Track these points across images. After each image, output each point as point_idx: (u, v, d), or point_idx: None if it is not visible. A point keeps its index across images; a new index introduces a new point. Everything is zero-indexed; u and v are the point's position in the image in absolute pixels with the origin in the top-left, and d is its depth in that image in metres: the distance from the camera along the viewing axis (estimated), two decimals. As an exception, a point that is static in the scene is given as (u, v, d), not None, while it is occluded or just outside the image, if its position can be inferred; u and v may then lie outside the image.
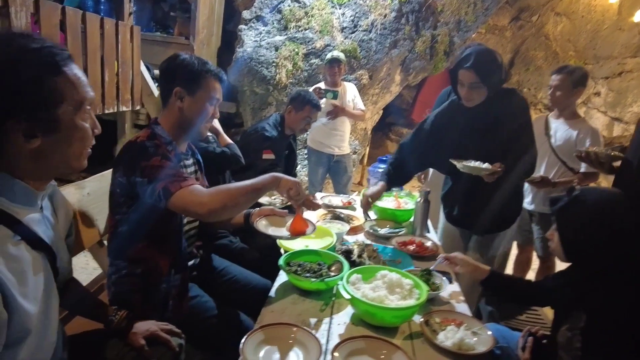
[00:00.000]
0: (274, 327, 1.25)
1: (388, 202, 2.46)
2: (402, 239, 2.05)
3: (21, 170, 0.84)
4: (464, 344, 1.22)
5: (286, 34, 4.40)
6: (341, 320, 1.38)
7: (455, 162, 1.87)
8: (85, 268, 2.74)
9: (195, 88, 1.47)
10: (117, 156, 1.42)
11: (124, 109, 3.12)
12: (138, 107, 3.33)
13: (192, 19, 4.11)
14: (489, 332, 1.29)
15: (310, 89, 3.26)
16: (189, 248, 1.64)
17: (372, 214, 2.42)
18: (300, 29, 4.40)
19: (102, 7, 3.50)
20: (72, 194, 1.69)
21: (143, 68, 3.32)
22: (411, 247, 1.97)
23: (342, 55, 3.57)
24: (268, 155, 2.54)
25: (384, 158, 3.89)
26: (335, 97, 3.46)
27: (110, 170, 2.04)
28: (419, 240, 2.04)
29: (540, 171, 2.60)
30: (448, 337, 1.25)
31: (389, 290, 1.40)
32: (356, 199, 2.69)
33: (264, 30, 4.49)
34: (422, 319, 1.34)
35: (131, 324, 1.22)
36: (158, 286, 1.43)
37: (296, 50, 4.30)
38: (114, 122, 3.45)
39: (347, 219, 2.27)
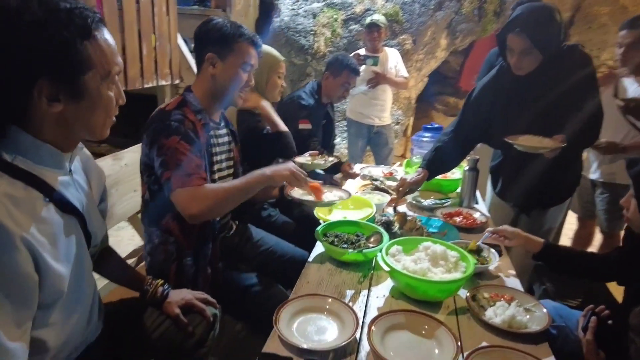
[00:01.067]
0: (309, 298, 1.19)
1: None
2: (448, 210, 1.93)
3: (45, 133, 0.81)
4: (515, 322, 1.11)
5: (324, 0, 4.23)
6: (380, 293, 1.30)
7: (511, 141, 1.65)
8: (132, 240, 2.83)
9: (227, 52, 1.40)
10: (146, 123, 1.38)
11: (163, 83, 3.12)
12: (177, 81, 3.32)
13: (228, -11, 4.02)
14: (544, 310, 1.17)
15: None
16: (224, 220, 1.61)
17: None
18: (339, -6, 4.22)
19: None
20: (110, 165, 1.71)
21: (181, 41, 3.29)
22: (458, 219, 1.85)
23: (382, 19, 3.37)
24: (304, 125, 2.45)
25: (429, 126, 3.67)
26: (375, 63, 3.28)
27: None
28: (466, 211, 1.91)
29: (606, 136, 2.33)
30: (497, 313, 1.15)
31: (433, 262, 1.30)
32: (398, 170, 2.57)
33: (301, -4, 4.35)
34: (468, 294, 1.23)
35: (166, 293, 1.21)
36: (190, 256, 1.41)
37: (335, 16, 4.14)
38: (154, 97, 3.49)
39: (388, 190, 2.17)
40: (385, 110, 3.60)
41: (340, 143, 4.33)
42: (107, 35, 0.82)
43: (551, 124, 1.65)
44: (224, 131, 1.57)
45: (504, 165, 2.01)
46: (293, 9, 4.30)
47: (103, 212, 1.10)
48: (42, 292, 0.79)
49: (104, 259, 1.16)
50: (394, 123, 4.61)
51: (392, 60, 3.48)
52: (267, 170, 1.34)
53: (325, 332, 1.09)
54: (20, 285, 0.74)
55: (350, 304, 1.18)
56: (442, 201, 2.04)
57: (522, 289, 1.33)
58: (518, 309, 1.16)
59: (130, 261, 1.91)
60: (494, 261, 1.42)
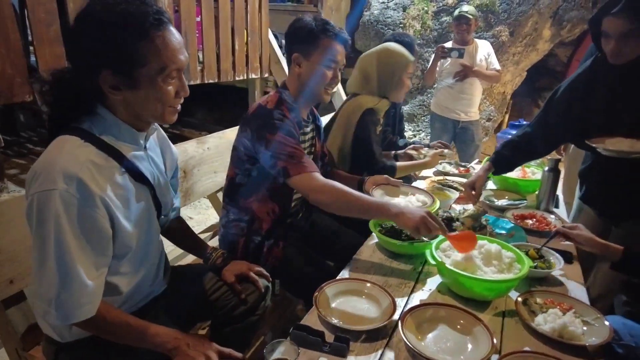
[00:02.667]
0: (351, 282, 1.24)
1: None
2: (520, 211, 1.81)
3: (122, 114, 0.98)
4: (566, 331, 1.03)
5: (415, -8, 4.14)
6: (427, 287, 1.29)
7: (594, 145, 1.48)
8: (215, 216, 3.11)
9: (312, 50, 1.46)
10: (247, 116, 1.50)
11: (253, 76, 3.36)
12: (266, 75, 3.55)
13: (320, -15, 4.15)
14: (607, 323, 1.06)
15: None
16: (295, 207, 1.69)
17: (491, 184, 2.19)
18: (431, -14, 4.09)
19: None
20: (194, 147, 1.92)
21: (271, 36, 3.50)
22: (529, 222, 1.73)
23: (471, 10, 3.20)
24: None
25: (517, 123, 3.41)
26: (461, 55, 3.14)
27: (230, 130, 2.27)
28: (541, 214, 1.78)
29: None
30: (548, 320, 1.07)
31: (485, 261, 1.25)
32: (475, 167, 2.46)
33: (394, -12, 4.30)
34: (519, 297, 1.17)
35: (226, 262, 1.35)
36: (261, 236, 1.54)
37: (425, 8, 4.03)
38: (245, 89, 3.76)
39: (459, 188, 2.09)
40: (473, 105, 3.42)
41: (425, 139, 4.22)
42: (168, 36, 0.92)
43: None
44: (309, 127, 1.65)
45: (593, 169, 1.80)
46: (383, 2, 4.28)
47: (174, 186, 1.26)
48: (115, 245, 0.96)
49: (175, 227, 1.33)
50: (485, 119, 4.36)
51: (483, 52, 3.30)
52: (395, 208, 1.31)
53: (362, 314, 1.13)
54: (98, 236, 0.91)
55: (394, 293, 1.20)
56: (517, 202, 1.92)
57: (587, 301, 1.22)
58: (574, 320, 1.07)
59: (207, 234, 2.14)
60: (557, 267, 1.32)
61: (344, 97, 4.03)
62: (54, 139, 0.93)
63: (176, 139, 3.20)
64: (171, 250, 1.63)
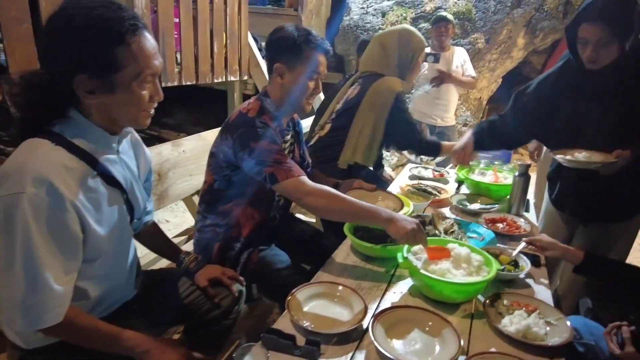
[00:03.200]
0: (324, 285, 1.25)
1: (484, 176, 2.24)
2: (491, 215, 1.86)
3: (95, 118, 0.97)
4: (530, 332, 1.07)
5: (394, -1, 4.21)
6: (399, 289, 1.31)
7: (557, 157, 1.55)
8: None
9: (295, 62, 1.46)
10: (228, 124, 1.49)
11: (232, 78, 3.35)
12: (246, 78, 3.54)
13: (300, -11, 4.17)
14: (568, 323, 1.11)
15: None
16: (273, 212, 1.69)
17: (464, 188, 2.24)
18: (410, -7, 4.17)
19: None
20: (169, 150, 1.90)
21: (250, 39, 3.50)
22: (500, 225, 1.78)
23: (449, 15, 3.28)
24: None
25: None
26: (437, 60, 3.20)
27: (207, 132, 2.26)
28: (511, 218, 1.83)
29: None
30: (513, 322, 1.11)
31: (455, 264, 1.28)
32: (450, 172, 2.51)
33: (373, -5, 4.36)
34: (487, 299, 1.20)
35: (199, 266, 1.34)
36: (237, 241, 1.54)
37: (404, 14, 4.10)
38: (224, 92, 3.75)
39: (433, 192, 2.13)
40: (449, 111, 3.50)
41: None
42: (143, 41, 0.93)
43: (620, 129, 1.49)
44: (289, 135, 1.65)
45: (561, 171, 1.86)
46: (363, 8, 4.33)
47: (147, 190, 1.25)
48: (85, 249, 0.95)
49: (148, 231, 1.31)
50: (461, 124, 4.45)
51: (459, 58, 3.38)
52: (386, 214, 1.33)
53: (334, 317, 1.14)
54: (68, 240, 0.90)
55: (366, 296, 1.22)
56: (489, 206, 1.97)
57: (551, 302, 1.26)
58: (538, 321, 1.11)
59: (182, 238, 2.12)
60: (525, 270, 1.36)
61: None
62: (23, 141, 0.91)
63: (154, 140, 3.16)
64: (145, 254, 1.62)
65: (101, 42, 0.87)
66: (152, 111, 1.02)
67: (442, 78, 3.29)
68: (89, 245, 0.96)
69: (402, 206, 1.68)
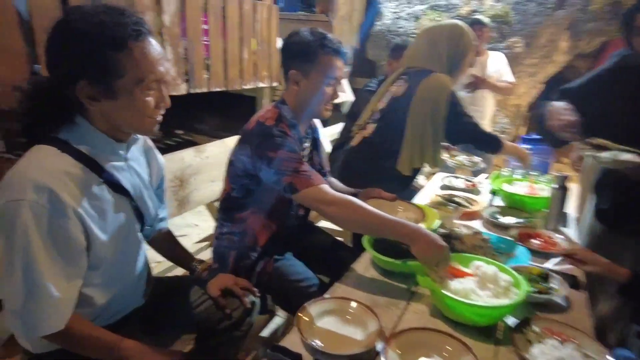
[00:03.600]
0: (338, 301, 1.18)
1: (520, 187, 2.10)
2: (526, 230, 1.73)
3: (100, 125, 0.96)
4: (563, 366, 0.96)
5: (428, 3, 4.11)
6: (419, 309, 1.23)
7: (590, 154, 1.42)
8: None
9: (310, 68, 1.40)
10: (246, 133, 1.45)
11: (261, 85, 3.36)
12: (275, 84, 3.54)
13: (332, -6, 4.15)
14: (609, 359, 0.98)
15: None
16: (291, 221, 1.65)
17: (498, 200, 2.11)
18: (444, -4, 4.05)
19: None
20: (192, 156, 1.90)
21: (280, 46, 3.50)
22: (535, 241, 1.65)
23: (484, 19, 3.14)
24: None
25: (528, 137, 3.32)
26: (471, 65, 3.06)
27: (230, 138, 2.25)
28: (547, 234, 1.69)
29: None
30: (544, 352, 1.00)
31: (480, 284, 1.19)
32: (483, 182, 2.38)
33: (405, 0, 4.27)
34: (515, 324, 1.10)
35: (211, 275, 1.31)
36: (253, 251, 1.51)
37: (438, 19, 3.98)
38: (253, 98, 3.76)
39: (463, 204, 2.02)
40: (484, 118, 3.34)
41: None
42: (146, 47, 0.91)
43: None
44: (307, 143, 1.61)
45: (608, 182, 1.70)
46: (395, 12, 4.25)
47: (160, 197, 1.24)
48: (89, 256, 0.94)
49: (161, 238, 1.30)
50: (499, 132, 4.27)
51: (495, 63, 3.23)
52: (412, 231, 1.23)
53: (347, 336, 1.07)
54: (70, 247, 0.89)
55: (382, 314, 1.14)
56: (523, 220, 1.84)
57: (591, 332, 1.13)
58: (572, 353, 0.99)
59: (205, 243, 2.11)
60: (561, 292, 1.24)
61: (347, 91, 3.95)
62: (30, 147, 0.91)
63: (188, 145, 3.20)
64: (161, 261, 1.61)
65: (101, 48, 0.86)
66: (159, 118, 1.00)
67: (476, 83, 3.15)
68: (92, 253, 0.95)
69: (423, 218, 1.58)
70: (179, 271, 1.56)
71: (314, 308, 1.14)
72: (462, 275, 1.22)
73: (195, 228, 3.41)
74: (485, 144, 2.10)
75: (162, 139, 5.16)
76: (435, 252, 1.19)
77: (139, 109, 0.94)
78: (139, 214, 1.09)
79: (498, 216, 1.89)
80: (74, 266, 0.91)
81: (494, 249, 1.54)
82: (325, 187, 1.32)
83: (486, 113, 3.34)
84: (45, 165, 0.87)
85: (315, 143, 1.68)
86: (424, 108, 1.89)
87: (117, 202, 1.00)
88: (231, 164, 1.51)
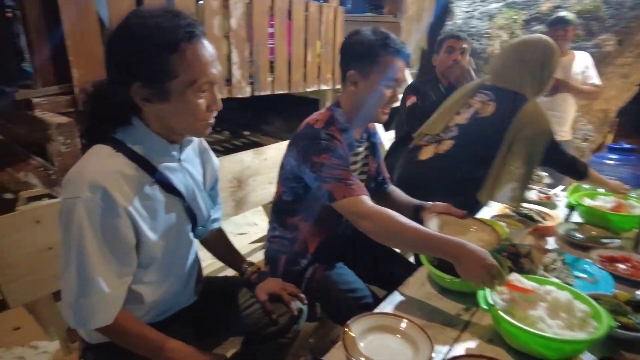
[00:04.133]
0: (387, 317, 1.12)
1: (604, 201, 1.87)
2: (609, 252, 1.52)
3: (154, 126, 0.98)
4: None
5: (504, 0, 3.83)
6: (477, 333, 1.12)
7: None
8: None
9: (370, 69, 1.34)
10: (295, 134, 1.44)
11: (325, 87, 3.35)
12: (338, 87, 3.52)
13: (400, -6, 4.04)
14: None
15: None
16: (343, 229, 1.60)
17: (576, 216, 1.90)
18: (523, -9, 3.76)
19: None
20: (251, 158, 1.93)
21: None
22: (621, 266, 1.44)
23: (570, 16, 2.86)
24: (410, 100, 2.43)
25: (617, 146, 2.94)
26: None
27: (288, 141, 2.25)
28: (637, 258, 1.48)
29: None
30: (628, 400, 0.86)
31: (551, 312, 1.05)
32: (559, 194, 2.16)
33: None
34: (592, 363, 0.96)
35: (260, 279, 1.31)
36: (303, 257, 1.49)
37: (515, 17, 3.71)
38: (317, 101, 3.77)
39: (536, 218, 1.83)
40: (564, 124, 3.05)
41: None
42: (199, 49, 0.91)
43: None
44: (362, 147, 1.55)
45: None
46: (467, 12, 4.03)
47: (213, 198, 1.25)
48: (140, 255, 0.96)
49: (212, 238, 1.32)
50: (580, 139, 3.88)
51: (580, 64, 2.93)
52: (455, 248, 1.12)
53: (394, 357, 1.00)
54: (121, 245, 0.92)
55: (436, 336, 1.06)
56: (607, 240, 1.63)
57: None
58: (664, 404, 0.84)
59: (260, 243, 2.13)
60: (651, 330, 1.06)
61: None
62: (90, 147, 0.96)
63: (255, 146, 3.29)
64: (213, 261, 1.65)
65: (154, 50, 0.87)
66: (212, 120, 1.00)
67: (557, 86, 2.87)
68: (143, 251, 0.97)
69: (499, 242, 1.40)
70: (230, 272, 1.58)
71: (361, 323, 1.08)
72: (521, 290, 1.09)
73: (254, 227, 3.48)
74: (569, 171, 1.94)
75: (229, 139, 5.37)
76: (481, 271, 1.07)
77: (191, 111, 0.94)
78: (191, 215, 1.10)
79: (576, 234, 1.69)
80: (124, 263, 0.94)
81: (570, 272, 1.38)
82: (364, 198, 1.24)
83: (566, 119, 3.04)
84: (101, 164, 0.90)
85: (373, 148, 1.62)
86: (522, 146, 1.74)
87: (168, 202, 1.02)
88: (282, 166, 1.50)
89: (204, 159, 1.20)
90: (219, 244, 1.35)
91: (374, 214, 1.21)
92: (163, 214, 1.01)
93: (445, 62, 2.50)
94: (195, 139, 1.15)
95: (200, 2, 2.28)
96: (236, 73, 2.51)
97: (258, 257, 1.46)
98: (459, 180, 1.81)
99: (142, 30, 0.88)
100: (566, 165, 1.90)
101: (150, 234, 0.97)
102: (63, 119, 1.61)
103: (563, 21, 2.82)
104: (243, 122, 5.66)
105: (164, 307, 1.11)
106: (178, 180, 1.05)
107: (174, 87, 0.90)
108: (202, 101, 0.94)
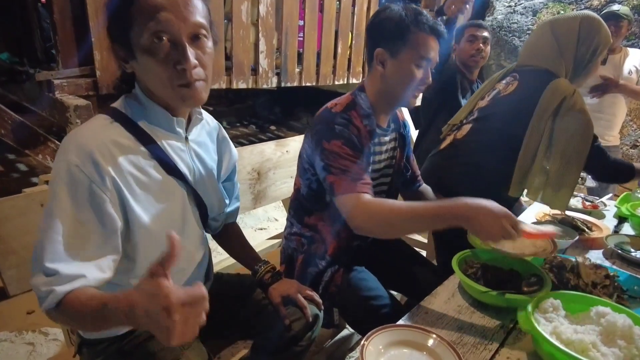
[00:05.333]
0: (412, 330, 0.99)
1: (661, 213, 1.68)
2: (669, 270, 1.35)
3: (150, 94, 0.88)
4: None
5: (550, -7, 3.60)
6: (514, 354, 0.99)
7: None
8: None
9: (400, 47, 1.22)
10: (314, 119, 1.33)
11: (354, 80, 3.23)
12: (369, 80, 3.39)
13: (438, -12, 3.85)
14: None
15: None
16: None
17: (627, 227, 1.71)
18: (572, -15, 3.52)
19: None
20: (272, 150, 1.83)
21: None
22: (684, 287, 1.27)
23: (624, 10, 2.63)
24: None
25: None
26: (602, 62, 2.53)
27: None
28: None
29: None
30: None
31: (605, 338, 0.91)
32: (607, 203, 1.96)
33: (521, -8, 3.82)
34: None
35: (274, 279, 1.21)
36: (321, 259, 1.38)
37: (562, 11, 3.46)
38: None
39: (581, 228, 1.65)
40: (613, 128, 2.82)
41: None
42: None
43: None
44: (389, 137, 1.42)
45: None
46: (509, 6, 3.81)
47: (229, 190, 1.16)
48: (131, 242, 0.86)
49: (227, 233, 1.23)
50: (629, 145, 3.61)
51: (633, 62, 2.70)
52: (463, 207, 1.00)
53: (418, 378, 0.88)
54: (104, 218, 0.81)
55: (468, 356, 0.93)
56: (666, 257, 1.44)
57: None
58: None
59: (278, 240, 2.04)
60: None
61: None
62: None
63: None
64: (225, 258, 1.56)
65: (113, 4, 0.82)
66: (193, 83, 0.84)
67: (607, 86, 2.65)
68: (135, 237, 0.86)
69: (554, 247, 1.22)
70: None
71: (383, 336, 0.97)
72: (539, 237, 1.01)
73: (275, 222, 3.41)
74: (611, 176, 1.71)
75: (255, 133, 5.33)
76: (496, 225, 0.96)
77: (152, 68, 0.82)
78: (199, 203, 1.01)
79: (629, 248, 1.51)
80: (109, 237, 0.82)
81: (624, 291, 1.21)
82: (366, 197, 1.12)
83: (615, 122, 2.81)
84: (94, 131, 0.83)
85: (403, 141, 1.48)
86: (560, 136, 1.51)
87: (169, 184, 0.92)
88: (300, 157, 1.39)
89: (221, 148, 1.11)
90: (233, 241, 1.26)
91: (365, 209, 1.09)
92: (160, 196, 0.90)
93: (467, 51, 2.40)
94: (212, 124, 1.06)
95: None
96: (263, 62, 2.43)
97: (276, 255, 1.36)
98: (476, 169, 1.61)
99: None
100: (613, 168, 1.66)
101: (143, 215, 0.86)
102: (82, 102, 1.57)
103: (616, 16, 2.59)
104: (270, 117, 5.61)
105: None
106: (181, 161, 0.95)
107: (135, 36, 0.81)
108: (161, 55, 0.81)
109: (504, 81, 1.73)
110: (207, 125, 1.08)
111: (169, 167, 0.91)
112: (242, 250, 1.27)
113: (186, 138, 0.97)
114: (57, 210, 0.77)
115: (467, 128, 1.70)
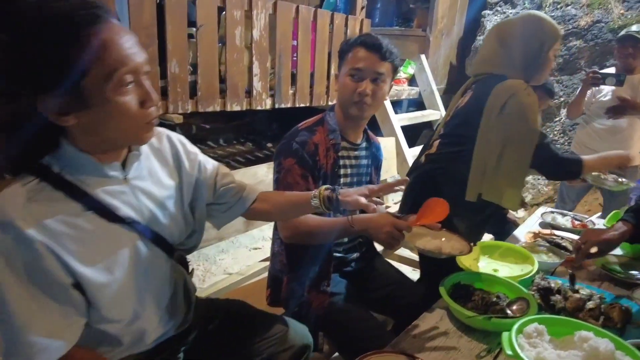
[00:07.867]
0: (397, 357, 1.00)
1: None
2: (658, 292, 1.36)
3: (82, 144, 0.80)
4: None
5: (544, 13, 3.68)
6: (501, 380, 1.00)
7: None
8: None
9: (341, 64, 1.38)
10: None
11: (348, 101, 3.28)
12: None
13: (430, 8, 3.95)
14: None
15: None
16: (350, 243, 1.53)
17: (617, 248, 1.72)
18: (559, 6, 3.60)
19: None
20: (264, 172, 1.86)
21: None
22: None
23: (641, 31, 2.62)
24: None
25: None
26: (619, 83, 2.49)
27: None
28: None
29: None
30: None
31: (589, 363, 0.92)
32: (596, 222, 1.98)
33: (511, 13, 3.91)
34: None
35: (337, 192, 1.06)
36: (302, 281, 1.38)
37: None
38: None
39: (569, 248, 1.66)
40: (631, 148, 2.71)
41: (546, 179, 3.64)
42: (107, 32, 0.72)
43: None
44: (357, 152, 1.48)
45: None
46: (500, 26, 3.90)
47: (197, 209, 1.06)
48: (88, 293, 0.82)
49: (261, 210, 1.14)
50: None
51: None
52: (362, 220, 1.17)
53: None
54: (52, 284, 0.77)
55: (451, 381, 0.94)
56: (655, 279, 1.46)
57: None
58: None
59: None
60: None
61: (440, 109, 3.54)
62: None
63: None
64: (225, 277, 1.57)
65: (49, 47, 0.69)
66: (155, 121, 0.81)
67: (623, 108, 2.61)
68: (91, 292, 0.81)
69: (470, 250, 1.23)
70: (235, 293, 1.50)
71: (369, 362, 0.98)
72: (428, 221, 1.10)
73: (269, 242, 3.41)
74: (564, 170, 1.67)
75: (252, 150, 5.37)
76: (383, 232, 1.10)
77: (120, 113, 0.76)
78: (157, 239, 0.93)
79: (617, 268, 1.52)
80: (66, 304, 0.78)
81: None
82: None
83: (632, 145, 2.73)
84: (14, 198, 0.74)
85: (375, 160, 1.57)
86: (500, 125, 1.52)
87: (112, 232, 0.84)
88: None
89: (178, 163, 1.01)
90: (273, 210, 1.14)
91: (294, 222, 1.25)
92: (105, 248, 0.83)
93: None
94: (164, 144, 0.99)
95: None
96: (257, 85, 2.47)
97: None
98: (452, 179, 1.61)
99: (17, 33, 0.69)
100: (563, 165, 1.64)
101: (89, 272, 0.80)
102: None
103: (634, 38, 2.58)
104: (267, 134, 5.66)
105: (148, 340, 0.97)
106: (125, 204, 0.87)
107: (88, 87, 0.72)
108: (129, 98, 0.76)
109: (462, 96, 1.76)
110: (152, 153, 0.97)
111: (110, 216, 0.84)
112: (290, 205, 1.14)
113: (125, 178, 0.88)
114: (6, 292, 0.73)
115: (436, 144, 1.74)
